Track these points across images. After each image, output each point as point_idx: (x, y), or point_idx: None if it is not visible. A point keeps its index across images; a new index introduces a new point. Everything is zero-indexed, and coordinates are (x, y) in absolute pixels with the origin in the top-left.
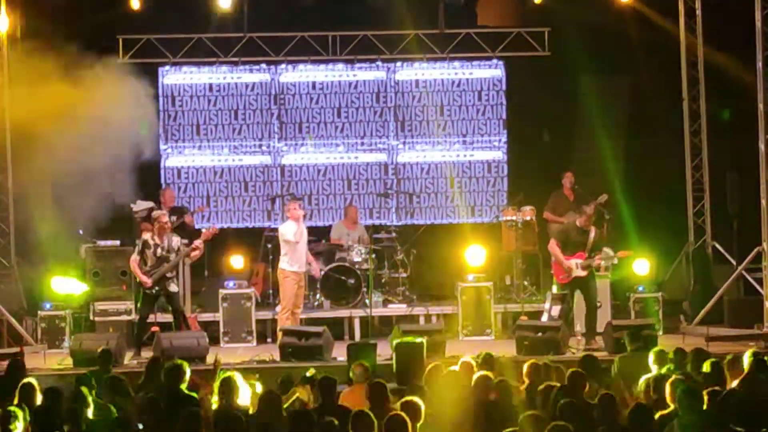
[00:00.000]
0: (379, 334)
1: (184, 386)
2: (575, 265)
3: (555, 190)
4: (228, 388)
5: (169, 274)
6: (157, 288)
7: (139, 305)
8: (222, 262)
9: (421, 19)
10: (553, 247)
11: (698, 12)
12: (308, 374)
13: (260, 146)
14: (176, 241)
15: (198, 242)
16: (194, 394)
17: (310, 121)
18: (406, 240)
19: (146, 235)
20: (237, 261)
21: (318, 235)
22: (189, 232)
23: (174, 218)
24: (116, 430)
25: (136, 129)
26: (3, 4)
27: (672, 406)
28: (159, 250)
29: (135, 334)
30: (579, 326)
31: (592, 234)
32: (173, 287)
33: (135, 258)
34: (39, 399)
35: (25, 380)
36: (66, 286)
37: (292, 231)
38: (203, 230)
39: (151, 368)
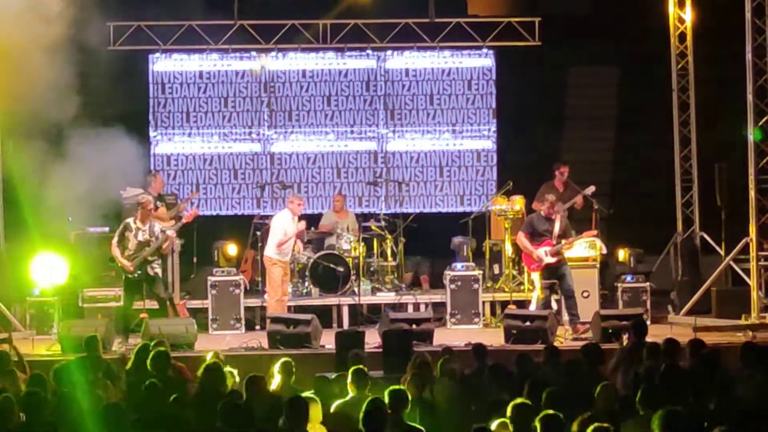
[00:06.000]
0: (368, 322)
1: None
2: (544, 253)
3: (547, 180)
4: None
5: (150, 258)
6: (138, 272)
7: (123, 292)
8: (211, 249)
9: (411, 8)
10: (521, 239)
11: (688, 2)
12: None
13: (250, 134)
14: (157, 227)
15: (170, 231)
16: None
17: (299, 109)
18: (395, 228)
19: (129, 219)
20: (226, 248)
21: (307, 223)
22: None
23: (163, 204)
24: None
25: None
26: None
27: None
28: (141, 234)
29: (121, 320)
30: (566, 315)
31: (558, 222)
32: (157, 271)
33: (114, 241)
34: None
35: None
36: (48, 271)
37: (286, 225)
38: (183, 214)
39: (140, 355)
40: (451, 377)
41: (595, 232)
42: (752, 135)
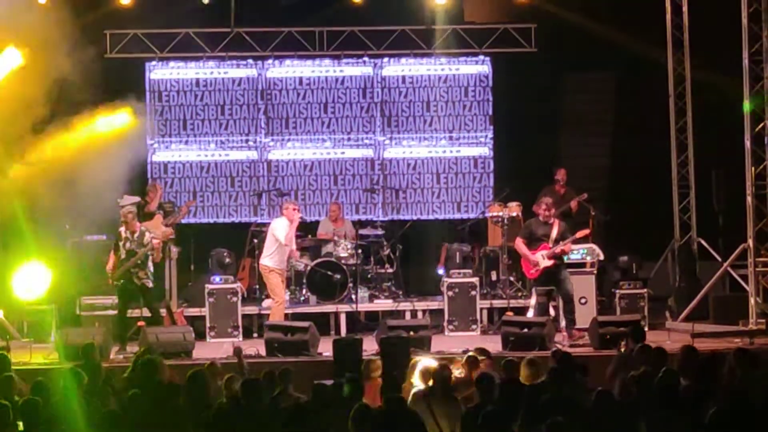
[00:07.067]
0: (366, 330)
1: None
2: (541, 257)
3: (547, 186)
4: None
5: (133, 269)
6: (122, 281)
7: (117, 299)
8: (208, 257)
9: (408, 15)
10: (519, 244)
11: (684, 9)
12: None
13: (247, 141)
14: (147, 236)
15: (155, 241)
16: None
17: (296, 116)
18: (392, 235)
19: (121, 228)
20: (223, 256)
21: (304, 230)
22: (175, 227)
23: (161, 212)
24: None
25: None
26: None
27: None
28: (128, 244)
29: (116, 328)
30: (564, 322)
31: (556, 226)
32: (145, 281)
33: (112, 251)
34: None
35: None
36: (30, 283)
37: (284, 233)
38: (182, 205)
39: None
40: (445, 385)
41: (587, 231)
42: (746, 107)
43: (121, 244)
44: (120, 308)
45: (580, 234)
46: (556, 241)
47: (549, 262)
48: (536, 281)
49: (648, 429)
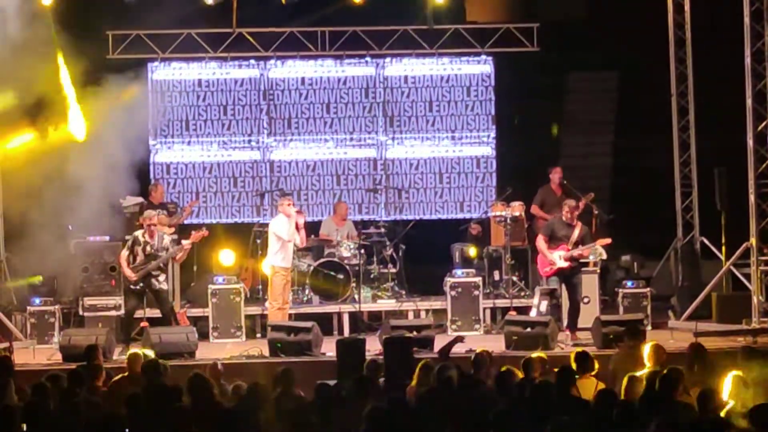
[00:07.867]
0: (369, 330)
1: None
2: (558, 257)
3: (543, 185)
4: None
5: (155, 272)
6: (141, 284)
7: (124, 300)
8: (211, 257)
9: (410, 15)
10: (540, 241)
11: (686, 8)
12: None
13: (249, 142)
14: (167, 239)
15: (186, 243)
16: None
17: (299, 116)
18: (395, 235)
19: (137, 232)
20: (226, 256)
21: (307, 230)
22: (178, 228)
23: (164, 213)
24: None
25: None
26: None
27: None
28: (148, 248)
29: (121, 329)
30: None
31: (578, 229)
32: (162, 285)
33: (124, 253)
34: None
35: None
36: None
37: (284, 229)
38: (192, 232)
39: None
40: (448, 385)
41: (609, 240)
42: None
43: (139, 248)
44: (129, 309)
45: (599, 243)
46: (576, 244)
47: (564, 264)
48: (550, 280)
49: (650, 428)
